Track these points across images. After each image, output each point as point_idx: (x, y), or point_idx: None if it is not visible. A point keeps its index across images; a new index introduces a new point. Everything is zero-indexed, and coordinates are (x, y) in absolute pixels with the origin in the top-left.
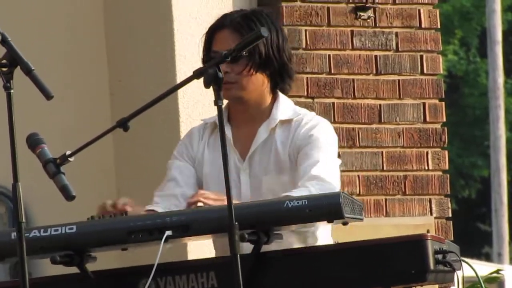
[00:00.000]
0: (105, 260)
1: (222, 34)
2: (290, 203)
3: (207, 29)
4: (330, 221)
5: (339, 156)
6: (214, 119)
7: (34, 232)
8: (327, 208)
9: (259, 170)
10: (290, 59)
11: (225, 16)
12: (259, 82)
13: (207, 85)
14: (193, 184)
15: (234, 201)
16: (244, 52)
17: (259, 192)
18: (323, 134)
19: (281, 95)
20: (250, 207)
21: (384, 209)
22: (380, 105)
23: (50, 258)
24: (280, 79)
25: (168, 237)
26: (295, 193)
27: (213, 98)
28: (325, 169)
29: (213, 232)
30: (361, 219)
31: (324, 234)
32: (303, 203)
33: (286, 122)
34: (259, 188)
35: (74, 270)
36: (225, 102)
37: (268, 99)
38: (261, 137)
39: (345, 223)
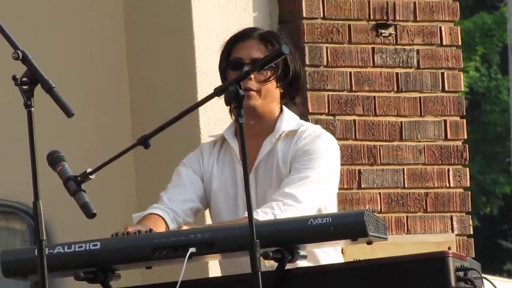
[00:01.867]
0: (128, 277)
1: (247, 43)
2: (314, 221)
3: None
4: (354, 239)
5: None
6: (222, 135)
7: (58, 249)
8: (352, 226)
9: (263, 183)
10: (301, 76)
11: (250, 29)
12: (275, 95)
13: (228, 103)
14: (200, 196)
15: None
16: (249, 66)
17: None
18: (321, 148)
19: (285, 109)
20: (274, 224)
21: (405, 227)
22: (401, 122)
23: (73, 275)
24: (291, 100)
25: (192, 254)
26: (260, 215)
27: None
28: (303, 187)
29: (236, 250)
30: (386, 239)
31: (334, 251)
32: (328, 221)
33: (290, 134)
34: (265, 201)
35: (97, 287)
36: (228, 115)
37: (276, 113)
38: (265, 150)
39: (369, 242)
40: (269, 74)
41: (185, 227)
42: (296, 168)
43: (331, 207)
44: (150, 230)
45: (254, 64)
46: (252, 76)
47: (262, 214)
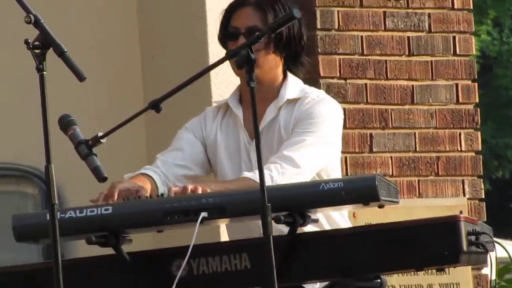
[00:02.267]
0: (139, 241)
1: (244, 11)
2: (326, 185)
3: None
4: (366, 204)
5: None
6: (226, 101)
7: (70, 213)
8: (363, 190)
9: (265, 149)
10: (305, 47)
11: None
12: (274, 62)
13: (239, 66)
14: (199, 162)
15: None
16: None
17: None
18: (323, 112)
19: (290, 76)
20: (285, 189)
21: (417, 190)
22: (412, 86)
23: (85, 239)
24: (293, 64)
25: (203, 219)
26: (257, 175)
27: None
28: (302, 151)
29: (248, 214)
30: (397, 202)
31: (341, 218)
32: (339, 185)
33: (293, 101)
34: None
35: (108, 251)
36: (237, 82)
37: (279, 80)
38: (269, 117)
39: (381, 206)
40: (263, 42)
41: (190, 186)
42: (296, 132)
43: (333, 171)
44: (162, 194)
45: (250, 32)
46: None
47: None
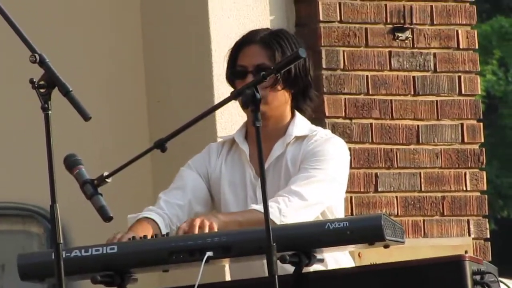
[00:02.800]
0: (145, 281)
1: (251, 49)
2: (331, 225)
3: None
4: (371, 243)
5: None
6: (232, 137)
7: (75, 252)
8: (369, 230)
9: (272, 186)
10: (312, 82)
11: (252, 33)
12: (283, 99)
13: (245, 106)
14: (202, 200)
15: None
16: (267, 69)
17: None
18: (331, 151)
19: (298, 114)
20: (291, 228)
21: (422, 230)
22: (418, 126)
23: (90, 278)
24: (302, 100)
25: (209, 258)
26: (261, 207)
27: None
28: (309, 186)
29: (253, 254)
30: (403, 242)
31: (343, 255)
32: (344, 225)
33: (300, 139)
34: None
35: None
36: (244, 118)
37: (288, 117)
38: (276, 153)
39: (386, 246)
40: (272, 79)
41: (198, 220)
42: (304, 168)
43: (338, 210)
44: (167, 234)
45: (258, 70)
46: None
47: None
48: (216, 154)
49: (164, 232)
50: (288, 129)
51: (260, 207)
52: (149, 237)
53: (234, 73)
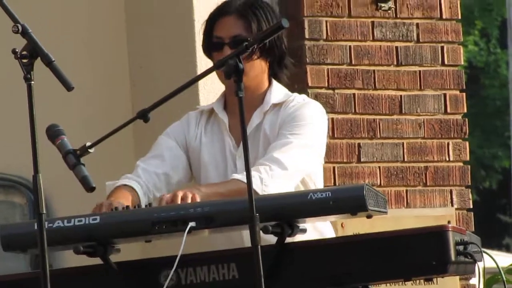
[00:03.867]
0: (127, 251)
1: (226, 20)
2: (314, 195)
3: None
4: (354, 214)
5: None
6: (210, 107)
7: (58, 223)
8: (351, 200)
9: (251, 155)
10: (287, 50)
11: (227, 3)
12: (260, 68)
13: (227, 76)
14: (180, 169)
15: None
16: (249, 39)
17: None
18: (309, 115)
19: (274, 82)
20: (274, 199)
21: (405, 200)
22: (401, 96)
23: (73, 248)
24: (278, 68)
25: (191, 228)
26: (242, 176)
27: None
28: (289, 153)
29: (236, 224)
30: (385, 212)
31: (325, 225)
32: (327, 195)
33: (278, 105)
34: None
35: (96, 261)
36: (221, 89)
37: (265, 86)
38: (254, 123)
39: (369, 216)
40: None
41: (180, 192)
42: (282, 134)
43: (317, 176)
44: (150, 204)
45: (235, 42)
46: (228, 52)
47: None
48: (195, 123)
49: (142, 199)
50: (265, 97)
51: (241, 177)
52: (128, 204)
53: (210, 44)
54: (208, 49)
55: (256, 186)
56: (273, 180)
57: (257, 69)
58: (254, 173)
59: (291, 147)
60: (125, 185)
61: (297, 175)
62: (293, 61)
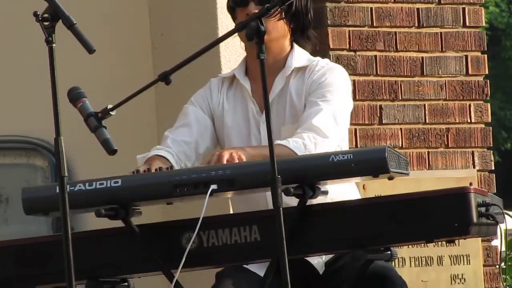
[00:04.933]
0: (148, 213)
1: None
2: (336, 157)
3: None
4: (375, 175)
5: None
6: (232, 73)
7: (79, 186)
8: (373, 162)
9: (277, 121)
10: (312, 22)
11: None
12: (282, 31)
13: (249, 38)
14: (207, 136)
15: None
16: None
17: None
18: (336, 80)
19: (296, 46)
20: (295, 161)
21: (426, 162)
22: (422, 57)
23: (95, 212)
24: (301, 37)
25: (213, 191)
26: (291, 143)
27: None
28: (327, 121)
29: (258, 186)
30: (407, 174)
31: (350, 187)
32: (349, 157)
33: (301, 70)
34: (278, 138)
35: (117, 224)
36: (243, 52)
37: (287, 50)
38: (278, 87)
39: (390, 178)
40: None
41: (227, 152)
42: (313, 102)
43: (344, 139)
44: (171, 167)
45: None
46: (254, 11)
47: (293, 143)
48: (218, 89)
49: (176, 168)
50: (287, 61)
51: (285, 142)
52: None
53: (235, 1)
54: (232, 6)
55: (300, 151)
56: (316, 147)
57: (280, 31)
58: (297, 139)
59: (326, 115)
60: (157, 155)
61: (335, 143)
62: (316, 35)
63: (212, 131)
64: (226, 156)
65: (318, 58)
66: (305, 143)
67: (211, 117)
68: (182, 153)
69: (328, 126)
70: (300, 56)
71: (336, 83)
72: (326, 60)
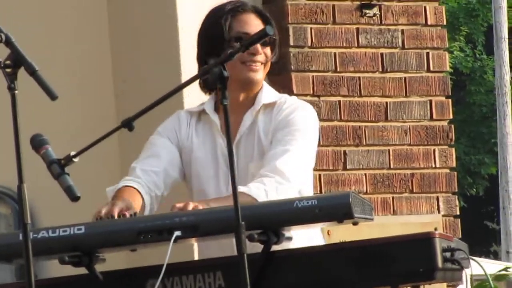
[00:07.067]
0: (112, 260)
1: (247, 16)
2: (300, 203)
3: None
4: (340, 221)
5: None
6: (201, 108)
7: (43, 233)
8: (337, 208)
9: (245, 157)
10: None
11: (241, 2)
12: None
13: (212, 84)
14: (176, 166)
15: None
16: (274, 37)
17: (245, 179)
18: (302, 119)
19: (265, 83)
20: (260, 207)
21: (391, 208)
22: (386, 103)
23: (58, 258)
24: (271, 72)
25: (177, 238)
26: (253, 190)
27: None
28: (291, 164)
29: (221, 233)
30: (372, 219)
31: (316, 233)
32: (313, 203)
33: (269, 106)
34: (246, 175)
35: (81, 271)
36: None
37: (259, 87)
38: (246, 124)
39: (355, 223)
40: (272, 49)
41: (191, 205)
42: (279, 140)
43: (308, 183)
44: (135, 213)
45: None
46: (262, 50)
47: (255, 190)
48: (186, 122)
49: (146, 199)
50: (257, 97)
51: (246, 190)
52: (137, 203)
53: (235, 38)
54: (230, 42)
55: (261, 198)
56: (277, 192)
57: (267, 70)
58: (258, 185)
59: (291, 157)
60: (126, 186)
61: (298, 186)
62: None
63: (180, 162)
64: (191, 205)
65: (286, 95)
66: (266, 189)
67: (179, 149)
68: (152, 183)
69: (292, 170)
70: (269, 93)
71: (303, 122)
72: (294, 97)
